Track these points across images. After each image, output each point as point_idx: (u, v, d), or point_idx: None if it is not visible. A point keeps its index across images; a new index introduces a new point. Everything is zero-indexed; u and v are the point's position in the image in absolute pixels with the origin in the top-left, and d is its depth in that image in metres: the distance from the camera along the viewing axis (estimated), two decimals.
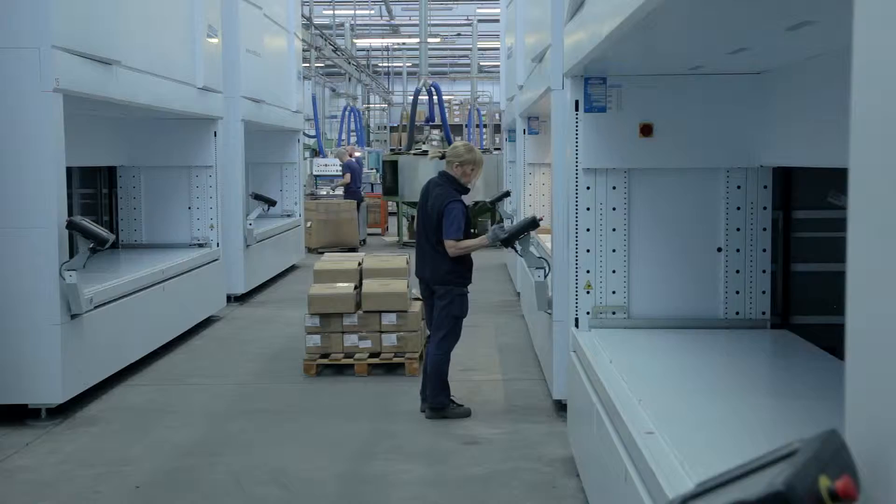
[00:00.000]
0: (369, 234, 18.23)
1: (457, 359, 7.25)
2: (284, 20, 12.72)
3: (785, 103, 4.33)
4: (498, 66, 20.96)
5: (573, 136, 4.83)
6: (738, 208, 4.87)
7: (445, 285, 5.85)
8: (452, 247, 5.77)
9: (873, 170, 1.28)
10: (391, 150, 36.22)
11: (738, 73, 4.58)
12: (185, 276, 8.33)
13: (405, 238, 17.10)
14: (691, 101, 4.71)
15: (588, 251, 4.90)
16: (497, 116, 34.55)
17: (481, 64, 33.96)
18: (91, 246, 5.80)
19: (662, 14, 2.81)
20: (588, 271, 4.91)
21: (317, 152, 25.31)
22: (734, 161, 4.79)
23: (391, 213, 20.53)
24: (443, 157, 6.06)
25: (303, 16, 17.57)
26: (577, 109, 4.81)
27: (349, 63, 25.94)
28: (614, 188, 4.89)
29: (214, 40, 8.95)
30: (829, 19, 2.85)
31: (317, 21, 25.62)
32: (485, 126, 35.29)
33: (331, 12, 26.48)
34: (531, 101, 7.82)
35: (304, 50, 17.47)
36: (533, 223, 5.79)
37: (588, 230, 4.90)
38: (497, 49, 20.69)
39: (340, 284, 7.25)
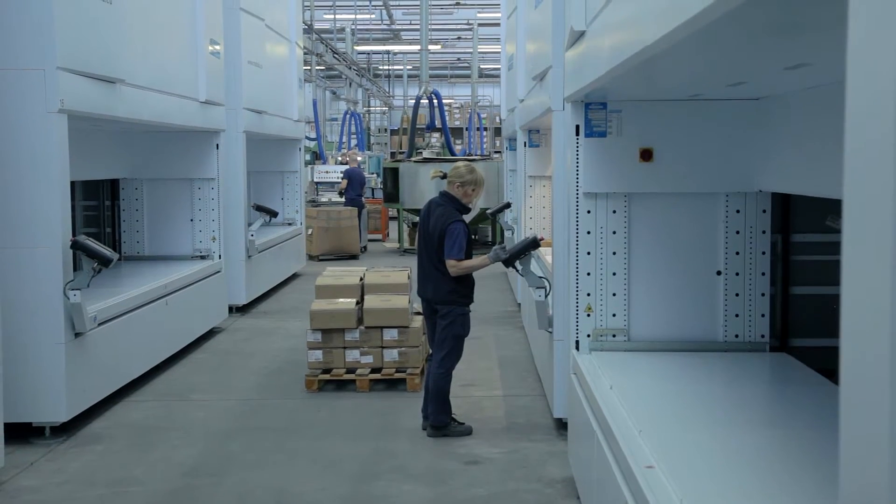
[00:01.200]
0: (370, 241, 18.27)
1: (457, 374, 7.28)
2: (286, 29, 12.76)
3: (784, 129, 4.37)
4: (498, 69, 21.03)
5: (574, 160, 4.87)
6: (738, 232, 4.91)
7: (448, 305, 5.89)
8: (454, 266, 5.81)
9: (867, 208, 1.31)
10: (391, 153, 36.39)
11: (738, 98, 4.63)
12: (188, 289, 8.37)
13: (406, 245, 17.14)
14: (691, 127, 4.75)
15: (588, 274, 4.94)
16: (497, 119, 34.66)
17: (482, 67, 34.05)
18: (95, 266, 5.83)
19: (661, 57, 2.85)
20: (588, 294, 4.95)
21: (317, 155, 25.38)
22: (733, 186, 4.83)
23: (392, 218, 20.59)
24: (444, 176, 6.08)
25: (304, 22, 17.61)
26: (577, 134, 4.86)
27: (350, 68, 25.96)
28: (614, 212, 4.93)
29: (217, 55, 8.98)
30: (826, 61, 2.89)
31: (318, 26, 25.69)
32: (485, 129, 35.40)
33: (332, 17, 26.55)
34: (532, 116, 7.86)
35: (304, 53, 17.51)
36: (534, 243, 5.83)
37: (588, 253, 4.94)
38: (497, 52, 20.72)
39: (342, 300, 7.29)
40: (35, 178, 5.73)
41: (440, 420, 5.94)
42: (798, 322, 5.04)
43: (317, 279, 7.62)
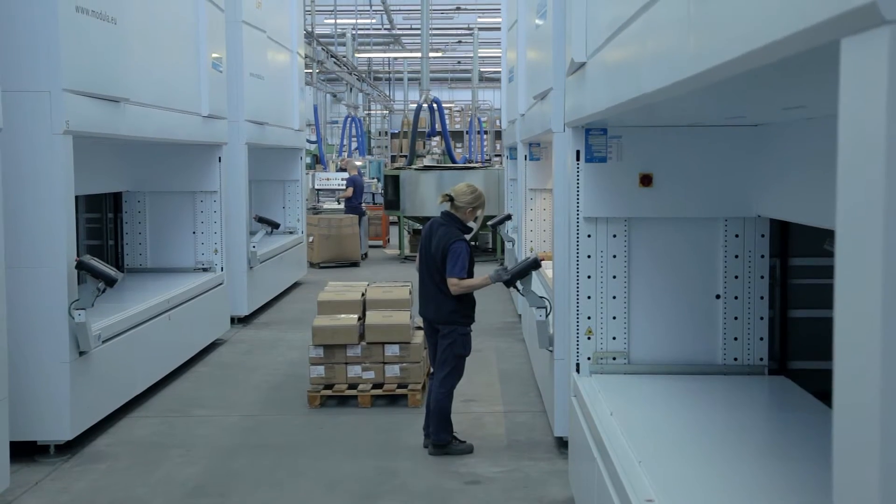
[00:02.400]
0: (371, 247, 18.31)
1: (459, 388, 7.30)
2: (287, 38, 12.81)
3: (782, 155, 4.42)
4: (499, 72, 21.07)
5: (574, 185, 4.92)
6: (737, 256, 4.96)
7: (449, 325, 5.95)
8: (455, 285, 5.86)
9: (858, 245, 1.36)
10: (392, 156, 36.43)
11: (737, 125, 4.68)
12: (190, 302, 8.42)
13: (406, 251, 17.20)
14: (690, 153, 4.80)
15: (589, 297, 4.99)
16: (497, 123, 34.71)
17: (482, 71, 34.10)
18: (100, 285, 5.89)
19: (660, 102, 2.90)
20: (589, 317, 5.00)
21: (318, 158, 25.43)
22: (732, 211, 4.88)
23: (392, 223, 20.62)
24: (451, 200, 6.08)
25: (305, 30, 17.66)
26: (578, 159, 4.91)
27: (350, 73, 26.01)
28: (615, 236, 4.98)
29: (219, 69, 9.03)
30: (822, 103, 2.95)
31: (319, 31, 25.74)
32: (485, 133, 35.46)
33: (332, 21, 26.61)
34: (533, 133, 7.91)
35: (305, 59, 17.55)
36: (535, 264, 5.89)
37: (589, 277, 4.99)
38: (498, 55, 20.76)
39: (343, 316, 7.34)
40: (40, 199, 5.78)
41: (442, 438, 5.99)
42: (796, 345, 5.09)
43: (319, 294, 7.67)
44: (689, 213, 4.91)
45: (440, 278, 5.93)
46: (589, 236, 4.96)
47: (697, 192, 4.86)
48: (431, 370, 6.32)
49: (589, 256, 4.98)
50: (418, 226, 17.89)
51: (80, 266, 5.89)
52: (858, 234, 1.36)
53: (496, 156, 35.01)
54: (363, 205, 17.59)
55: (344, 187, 17.63)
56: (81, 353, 6.03)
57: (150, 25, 7.31)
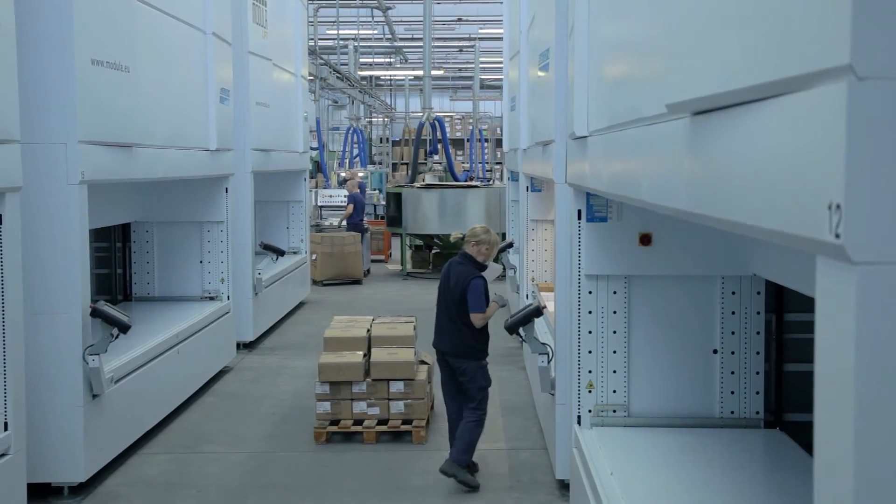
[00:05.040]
0: (373, 261, 18.45)
1: None
2: (291, 62, 12.95)
3: None
4: (500, 79, 21.21)
5: (576, 243, 5.09)
6: (733, 313, 5.12)
7: (466, 361, 6.29)
8: (480, 318, 6.24)
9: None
10: (392, 164, 36.55)
11: None
12: (198, 334, 8.57)
13: (409, 267, 17.36)
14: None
15: (590, 352, 5.16)
16: (498, 131, 34.90)
17: (482, 78, 34.28)
18: (113, 332, 6.04)
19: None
20: (590, 371, 5.17)
21: (319, 166, 25.60)
22: (729, 269, 5.04)
23: (395, 234, 20.73)
24: (463, 238, 6.58)
25: (309, 47, 17.81)
26: (579, 218, 5.08)
27: (352, 86, 26.18)
28: (615, 293, 5.15)
29: (227, 103, 9.19)
30: None
31: (321, 43, 25.91)
32: (486, 141, 35.65)
33: (335, 32, 26.79)
34: (535, 174, 8.07)
35: (310, 77, 17.70)
36: (536, 312, 6.05)
37: (590, 332, 5.16)
38: (500, 63, 20.86)
39: (349, 353, 7.50)
40: (55, 248, 5.93)
41: (461, 460, 6.24)
42: (791, 398, 5.25)
43: (325, 331, 7.82)
44: (687, 271, 5.07)
45: (457, 313, 6.29)
46: (590, 293, 5.13)
47: (695, 251, 5.02)
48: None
49: (590, 312, 5.14)
50: (419, 242, 18.07)
51: (95, 313, 6.04)
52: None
53: (497, 163, 35.27)
54: (364, 221, 17.75)
55: (345, 204, 17.78)
56: (95, 397, 6.19)
57: (162, 68, 7.47)
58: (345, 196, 18.00)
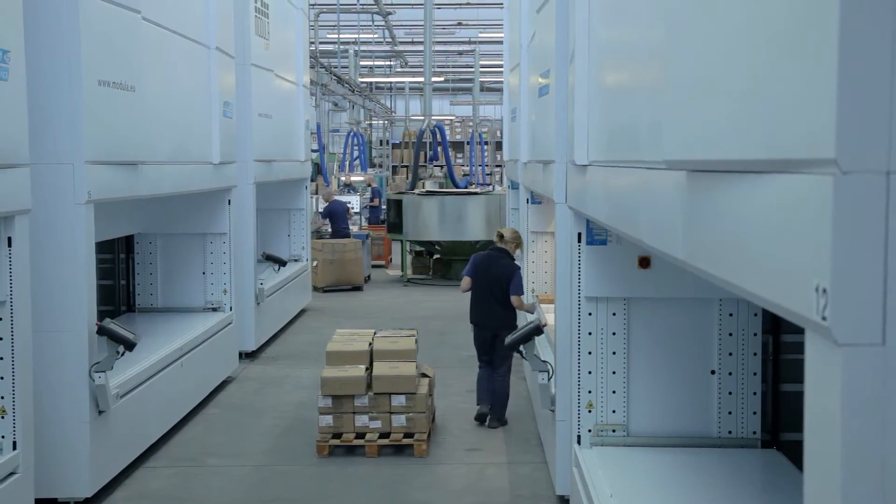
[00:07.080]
0: (373, 266, 18.51)
1: (462, 436, 7.64)
2: (293, 72, 13.03)
3: None
4: (500, 81, 21.31)
5: (576, 266, 5.17)
6: (731, 334, 5.21)
7: (508, 331, 7.32)
8: (517, 300, 7.99)
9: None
10: (392, 166, 36.61)
11: None
12: (201, 346, 8.65)
13: (409, 273, 17.44)
14: None
15: (590, 373, 5.25)
16: (498, 134, 34.97)
17: (482, 81, 34.35)
18: (119, 349, 6.12)
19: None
20: (590, 391, 5.26)
21: (319, 168, 25.67)
22: (726, 292, 5.10)
23: (395, 239, 20.79)
24: (501, 237, 8.25)
25: (310, 51, 17.89)
26: (579, 241, 5.16)
27: (353, 91, 26.26)
28: (614, 314, 5.23)
29: (230, 116, 9.27)
30: None
31: (322, 48, 25.99)
32: (486, 143, 35.72)
33: (335, 36, 26.88)
34: (535, 188, 8.14)
35: (311, 84, 17.77)
36: (537, 330, 6.14)
37: (590, 353, 5.25)
38: (500, 66, 20.93)
39: (351, 367, 7.58)
40: (62, 266, 6.01)
41: (504, 416, 8.15)
42: (788, 417, 5.33)
43: (328, 345, 7.90)
44: (685, 293, 5.16)
45: (502, 295, 7.94)
46: (590, 314, 5.22)
47: (693, 274, 5.09)
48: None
49: (590, 333, 5.23)
50: (420, 248, 18.14)
51: (101, 331, 6.12)
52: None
53: (497, 166, 35.34)
54: (350, 228, 17.77)
55: (321, 216, 17.58)
56: (101, 412, 6.26)
57: (166, 85, 7.55)
58: (322, 209, 17.77)
